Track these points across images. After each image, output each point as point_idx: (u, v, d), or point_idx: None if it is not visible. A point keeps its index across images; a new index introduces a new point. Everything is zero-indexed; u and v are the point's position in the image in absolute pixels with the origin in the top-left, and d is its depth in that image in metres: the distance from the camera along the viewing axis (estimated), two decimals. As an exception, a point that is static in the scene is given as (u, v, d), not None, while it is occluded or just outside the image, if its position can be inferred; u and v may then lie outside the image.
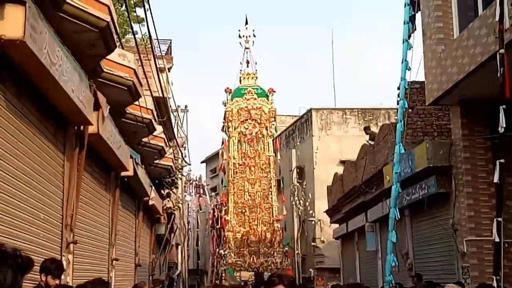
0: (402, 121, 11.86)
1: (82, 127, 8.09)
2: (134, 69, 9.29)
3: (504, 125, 7.69)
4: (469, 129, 11.06)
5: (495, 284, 7.34)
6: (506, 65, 7.69)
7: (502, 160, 8.05)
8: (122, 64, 8.94)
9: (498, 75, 7.79)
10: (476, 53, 9.40)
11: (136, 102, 10.48)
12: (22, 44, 5.24)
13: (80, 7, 6.67)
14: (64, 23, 6.69)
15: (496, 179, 8.09)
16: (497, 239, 7.93)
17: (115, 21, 7.43)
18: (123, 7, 13.43)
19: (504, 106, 7.66)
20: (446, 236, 12.32)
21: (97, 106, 8.15)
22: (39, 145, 6.96)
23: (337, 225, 23.69)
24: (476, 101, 10.45)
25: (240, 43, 24.90)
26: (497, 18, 8.03)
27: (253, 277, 19.07)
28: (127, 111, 10.67)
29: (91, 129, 8.21)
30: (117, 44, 8.04)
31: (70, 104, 6.98)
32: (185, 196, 30.44)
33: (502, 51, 7.80)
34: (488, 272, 9.21)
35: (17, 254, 2.41)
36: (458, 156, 11.50)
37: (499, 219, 7.94)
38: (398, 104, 12.15)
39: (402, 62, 11.71)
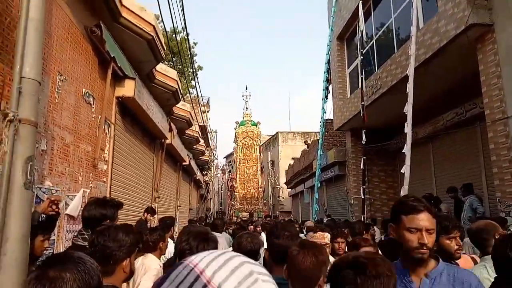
0: (322, 138, 12.01)
1: (163, 140, 8.21)
2: (189, 111, 9.43)
3: (365, 140, 7.92)
4: (354, 143, 11.22)
5: (363, 218, 7.48)
6: (365, 111, 7.97)
7: (364, 157, 8.28)
8: (183, 109, 9.07)
9: (361, 115, 8.06)
10: (356, 105, 9.56)
11: (191, 128, 10.60)
12: (133, 99, 5.37)
13: (162, 82, 6.81)
14: (154, 88, 6.83)
15: (361, 166, 8.26)
16: (363, 197, 8.13)
17: (180, 87, 7.57)
18: (185, 80, 13.51)
19: (364, 130, 7.92)
20: (343, 196, 12.43)
21: (170, 130, 8.28)
22: (143, 149, 7.11)
23: (290, 190, 23.74)
24: (356, 129, 10.49)
25: (243, 99, 24.84)
26: (360, 87, 8.31)
27: (248, 215, 18.91)
28: (186, 133, 10.77)
29: (167, 141, 8.32)
30: (181, 98, 8.18)
31: (157, 129, 7.11)
32: (215, 174, 30.34)
33: (363, 103, 8.10)
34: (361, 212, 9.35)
35: (113, 200, 2.52)
36: (348, 156, 11.66)
37: (364, 187, 8.16)
38: (320, 129, 12.27)
39: (321, 109, 11.87)
